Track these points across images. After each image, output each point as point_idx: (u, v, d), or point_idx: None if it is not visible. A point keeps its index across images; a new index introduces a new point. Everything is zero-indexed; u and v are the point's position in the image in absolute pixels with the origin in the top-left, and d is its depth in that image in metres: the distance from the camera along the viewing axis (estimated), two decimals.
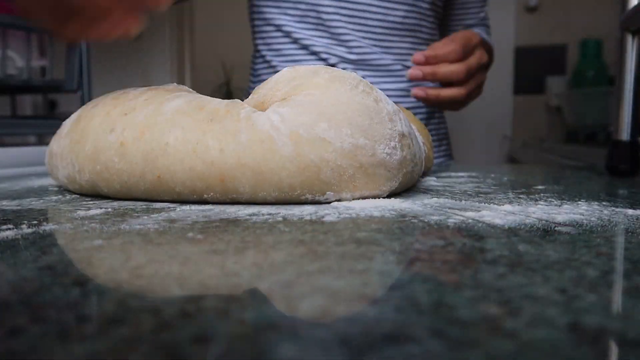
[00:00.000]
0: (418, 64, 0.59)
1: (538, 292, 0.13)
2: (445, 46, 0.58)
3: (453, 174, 0.45)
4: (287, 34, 0.70)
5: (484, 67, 0.62)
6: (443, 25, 0.79)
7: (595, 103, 1.73)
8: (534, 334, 0.10)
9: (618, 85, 0.43)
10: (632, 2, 0.41)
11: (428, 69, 0.58)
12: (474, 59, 0.59)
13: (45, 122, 0.69)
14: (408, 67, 0.72)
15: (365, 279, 0.14)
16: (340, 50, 0.69)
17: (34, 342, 0.10)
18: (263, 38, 0.73)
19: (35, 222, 0.21)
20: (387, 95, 0.69)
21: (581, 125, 1.78)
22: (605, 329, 0.11)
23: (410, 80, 0.60)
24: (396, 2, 0.69)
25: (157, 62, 2.03)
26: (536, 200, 0.28)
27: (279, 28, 0.71)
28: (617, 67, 0.43)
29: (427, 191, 0.32)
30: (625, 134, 0.43)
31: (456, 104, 0.61)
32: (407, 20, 0.70)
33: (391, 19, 0.69)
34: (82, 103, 0.70)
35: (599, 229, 0.21)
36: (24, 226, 0.21)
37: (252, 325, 0.11)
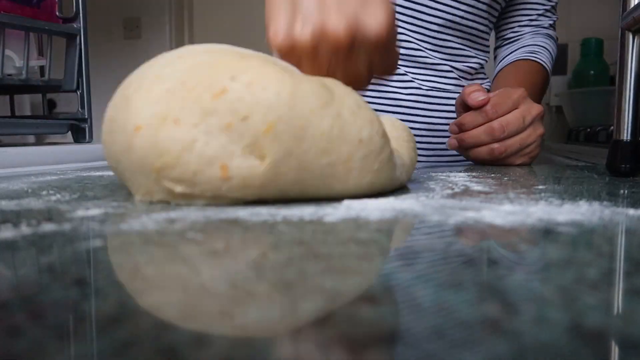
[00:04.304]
0: (453, 133, 0.59)
1: (538, 292, 0.13)
2: (471, 114, 0.57)
3: (453, 174, 0.45)
4: None
5: (538, 120, 0.58)
6: (504, 24, 0.77)
7: (595, 103, 1.73)
8: (534, 334, 0.10)
9: (618, 85, 0.43)
10: (632, 2, 0.41)
11: (459, 137, 0.58)
12: (512, 116, 0.56)
13: (44, 122, 0.69)
14: (457, 69, 0.72)
15: (365, 279, 0.14)
16: None
17: (34, 342, 0.10)
18: None
19: (34, 222, 0.21)
20: (434, 92, 0.70)
21: (582, 125, 1.78)
22: (605, 329, 0.11)
23: (451, 149, 0.61)
24: (457, 1, 0.68)
25: None
26: (537, 200, 0.28)
27: None
28: (617, 67, 0.43)
29: (427, 191, 0.32)
30: (626, 134, 0.43)
31: (497, 161, 0.58)
32: (464, 22, 0.69)
33: (449, 17, 0.68)
34: (82, 102, 0.70)
35: (600, 229, 0.21)
36: (23, 226, 0.21)
37: (252, 325, 0.11)
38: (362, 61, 0.34)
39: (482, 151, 0.57)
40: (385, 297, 0.13)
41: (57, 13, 0.68)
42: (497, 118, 0.56)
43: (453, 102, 0.72)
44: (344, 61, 0.33)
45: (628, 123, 0.42)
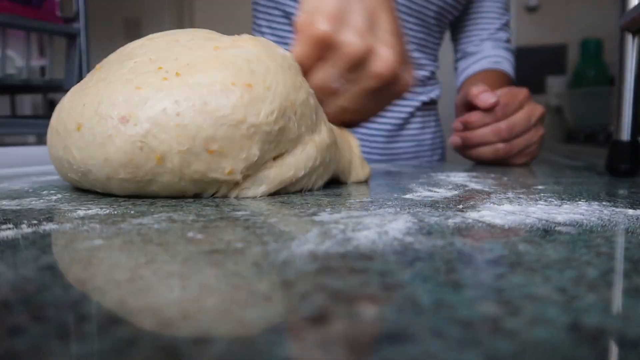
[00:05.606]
0: (457, 130, 0.60)
1: (538, 292, 0.13)
2: (478, 113, 0.57)
3: (453, 173, 0.45)
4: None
5: (540, 121, 0.59)
6: (464, 37, 0.78)
7: (595, 103, 1.73)
8: (534, 334, 0.10)
9: (618, 85, 0.43)
10: (632, 2, 0.41)
11: (464, 135, 0.59)
12: (519, 117, 0.57)
13: (44, 122, 0.69)
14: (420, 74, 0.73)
15: (365, 279, 0.14)
16: None
17: (34, 342, 0.10)
18: (268, 20, 0.71)
19: (35, 221, 0.21)
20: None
21: (581, 125, 1.79)
22: (605, 329, 0.11)
23: (454, 148, 0.61)
24: (407, 8, 0.68)
25: None
26: (536, 200, 0.28)
27: (286, 15, 0.69)
28: (617, 67, 0.43)
29: (426, 191, 0.32)
30: (625, 134, 0.43)
31: (501, 161, 0.59)
32: (412, 33, 0.70)
33: (405, 25, 0.69)
34: None
35: (599, 228, 0.21)
36: (24, 226, 0.21)
37: (252, 325, 0.11)
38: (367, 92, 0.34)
39: (486, 151, 0.57)
40: (385, 297, 0.13)
41: (57, 13, 0.68)
42: (504, 118, 0.56)
43: (406, 107, 0.73)
44: (349, 81, 0.34)
45: (627, 123, 0.42)
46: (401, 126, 0.74)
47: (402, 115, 0.73)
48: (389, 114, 0.72)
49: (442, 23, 0.73)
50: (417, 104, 0.74)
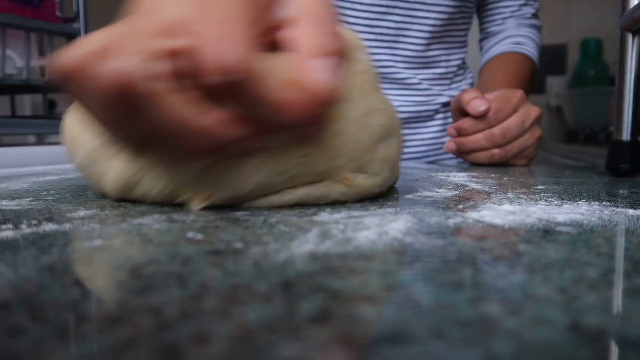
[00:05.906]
0: (452, 136, 0.59)
1: (538, 292, 0.13)
2: (471, 119, 0.57)
3: (453, 173, 0.45)
4: None
5: (536, 122, 0.58)
6: (487, 17, 0.76)
7: (595, 103, 1.73)
8: (534, 334, 0.10)
9: (618, 85, 0.43)
10: (632, 2, 0.41)
11: (458, 141, 0.58)
12: (513, 121, 0.56)
13: (44, 122, 0.69)
14: (429, 80, 0.71)
15: (365, 279, 0.14)
16: None
17: (34, 342, 0.10)
18: None
19: (35, 221, 0.21)
20: (402, 106, 0.70)
21: (581, 125, 1.79)
22: (605, 329, 0.11)
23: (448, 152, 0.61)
24: (427, 11, 0.67)
25: None
26: (536, 200, 0.28)
27: None
28: (617, 67, 0.43)
29: (427, 191, 0.32)
30: (625, 134, 0.43)
31: (498, 164, 0.58)
32: (430, 29, 0.68)
33: (425, 28, 0.67)
34: None
35: (599, 228, 0.21)
36: (24, 226, 0.21)
37: (252, 325, 0.11)
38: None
39: (482, 156, 0.57)
40: (385, 297, 0.13)
41: (57, 13, 0.68)
42: (497, 124, 0.56)
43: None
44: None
45: (627, 123, 0.42)
46: (417, 127, 0.71)
47: (423, 113, 0.71)
48: (405, 114, 0.69)
49: (465, 8, 0.71)
50: (442, 100, 0.71)
